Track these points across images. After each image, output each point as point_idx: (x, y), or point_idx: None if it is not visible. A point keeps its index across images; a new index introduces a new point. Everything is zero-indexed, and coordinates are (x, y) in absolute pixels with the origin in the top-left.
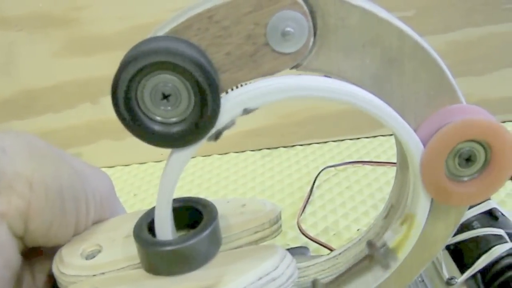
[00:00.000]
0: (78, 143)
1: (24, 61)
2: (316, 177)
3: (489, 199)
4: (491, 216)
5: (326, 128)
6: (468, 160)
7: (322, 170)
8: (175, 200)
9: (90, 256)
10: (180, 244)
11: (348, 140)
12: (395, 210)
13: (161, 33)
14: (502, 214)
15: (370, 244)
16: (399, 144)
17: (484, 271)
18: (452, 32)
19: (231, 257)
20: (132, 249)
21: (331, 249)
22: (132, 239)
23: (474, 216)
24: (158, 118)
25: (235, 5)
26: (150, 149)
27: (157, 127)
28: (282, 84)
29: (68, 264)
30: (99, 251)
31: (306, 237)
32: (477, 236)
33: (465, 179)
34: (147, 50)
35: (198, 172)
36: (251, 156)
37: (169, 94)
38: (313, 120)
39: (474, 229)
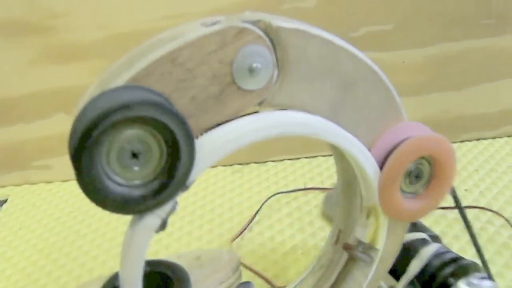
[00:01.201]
0: (49, 155)
1: None
2: (263, 203)
3: None
4: (411, 223)
5: (298, 144)
6: (417, 176)
7: (270, 197)
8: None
9: None
10: None
11: (321, 157)
12: (344, 235)
13: (118, 81)
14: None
15: (346, 246)
16: (342, 170)
17: (419, 275)
18: (430, 46)
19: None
20: None
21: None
22: None
23: None
24: (122, 181)
25: (199, 44)
26: None
27: (120, 190)
28: (248, 125)
29: None
30: None
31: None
32: (404, 243)
33: (414, 195)
34: (117, 104)
35: None
36: (221, 172)
37: (139, 152)
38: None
39: None
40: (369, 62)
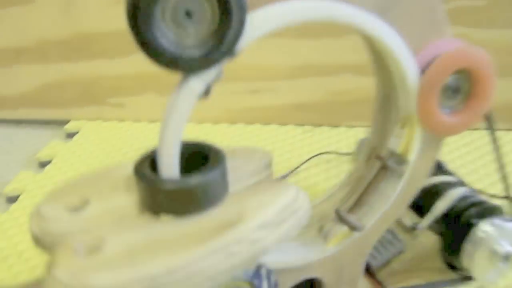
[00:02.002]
0: (123, 94)
1: (86, 2)
2: (312, 157)
3: None
4: (439, 169)
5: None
6: (455, 91)
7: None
8: None
9: (77, 209)
10: (192, 181)
11: None
12: (376, 151)
13: None
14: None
15: (379, 157)
16: (381, 81)
17: (444, 215)
18: None
19: (244, 196)
20: (125, 198)
21: None
22: (121, 189)
23: None
24: (175, 39)
25: None
26: (195, 109)
27: (173, 47)
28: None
29: (53, 219)
30: (87, 204)
31: None
32: (431, 185)
33: (451, 110)
34: None
35: (236, 138)
36: (292, 130)
37: (193, 11)
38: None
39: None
40: None
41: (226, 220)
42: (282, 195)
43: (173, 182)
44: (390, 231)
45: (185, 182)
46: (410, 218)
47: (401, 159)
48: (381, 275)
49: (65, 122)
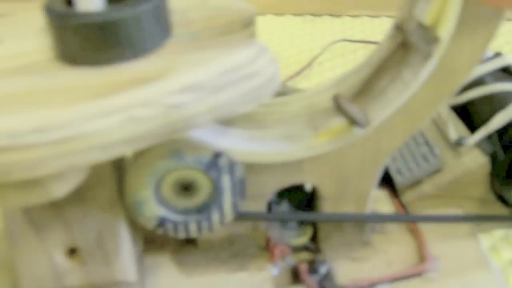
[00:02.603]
0: None
1: None
2: (327, 47)
3: (503, 54)
4: (507, 73)
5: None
6: None
7: (335, 43)
8: None
9: None
10: (111, 15)
11: None
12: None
13: None
14: None
15: (399, 27)
16: None
17: (501, 132)
18: None
19: (187, 47)
20: (44, 41)
21: None
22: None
23: (487, 72)
24: None
25: None
26: None
27: None
28: None
29: None
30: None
31: None
32: (491, 93)
33: None
34: None
35: None
36: (290, 20)
37: None
38: None
39: (488, 84)
40: None
41: (142, 76)
42: (232, 53)
43: (83, 16)
44: (426, 142)
45: (98, 16)
46: (456, 129)
47: (429, 35)
48: (408, 196)
49: None
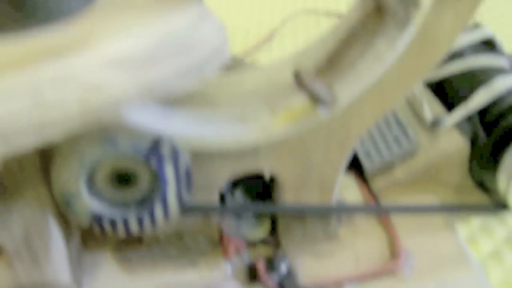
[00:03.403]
0: None
1: None
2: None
3: (483, 25)
4: (488, 46)
5: None
6: None
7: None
8: None
9: None
10: None
11: None
12: None
13: None
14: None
15: None
16: None
17: (482, 112)
18: None
19: (113, 12)
20: None
21: None
22: None
23: (466, 45)
24: None
25: None
26: None
27: None
28: None
29: None
30: None
31: None
32: (471, 68)
33: None
34: None
35: None
36: None
37: None
38: None
39: (467, 58)
40: None
41: (55, 46)
42: (168, 19)
43: None
44: (398, 123)
45: None
46: (431, 109)
47: None
48: (377, 183)
49: None
